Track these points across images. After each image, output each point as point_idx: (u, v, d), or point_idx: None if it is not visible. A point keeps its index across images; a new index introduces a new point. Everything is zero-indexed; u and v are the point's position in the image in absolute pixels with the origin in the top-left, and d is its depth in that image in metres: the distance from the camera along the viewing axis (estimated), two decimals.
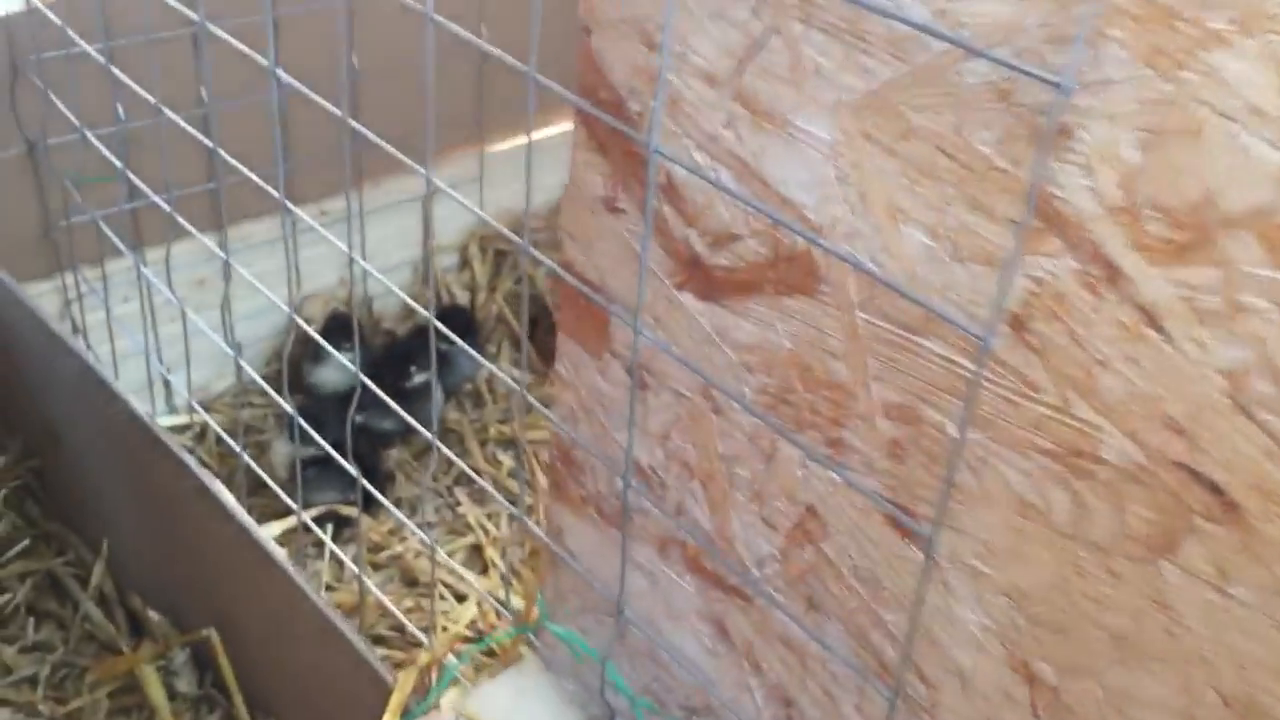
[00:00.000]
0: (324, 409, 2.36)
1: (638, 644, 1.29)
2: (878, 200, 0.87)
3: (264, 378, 2.74)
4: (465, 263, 2.98)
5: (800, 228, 0.91)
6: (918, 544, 0.94)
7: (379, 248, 2.76)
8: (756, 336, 1.01)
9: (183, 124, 1.68)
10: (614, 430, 1.21)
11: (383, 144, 1.25)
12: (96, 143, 1.93)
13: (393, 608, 1.79)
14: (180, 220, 1.79)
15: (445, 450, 1.48)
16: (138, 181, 1.85)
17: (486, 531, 2.42)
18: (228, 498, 1.70)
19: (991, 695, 0.94)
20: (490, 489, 1.48)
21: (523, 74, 0.98)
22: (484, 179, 2.91)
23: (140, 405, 1.85)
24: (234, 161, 1.57)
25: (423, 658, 1.53)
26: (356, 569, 1.69)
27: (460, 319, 2.67)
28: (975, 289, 0.84)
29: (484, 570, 2.34)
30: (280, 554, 1.63)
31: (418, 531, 1.76)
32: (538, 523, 2.42)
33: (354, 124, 1.25)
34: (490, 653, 1.92)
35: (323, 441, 1.70)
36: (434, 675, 1.51)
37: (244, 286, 2.14)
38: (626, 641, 1.30)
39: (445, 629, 1.90)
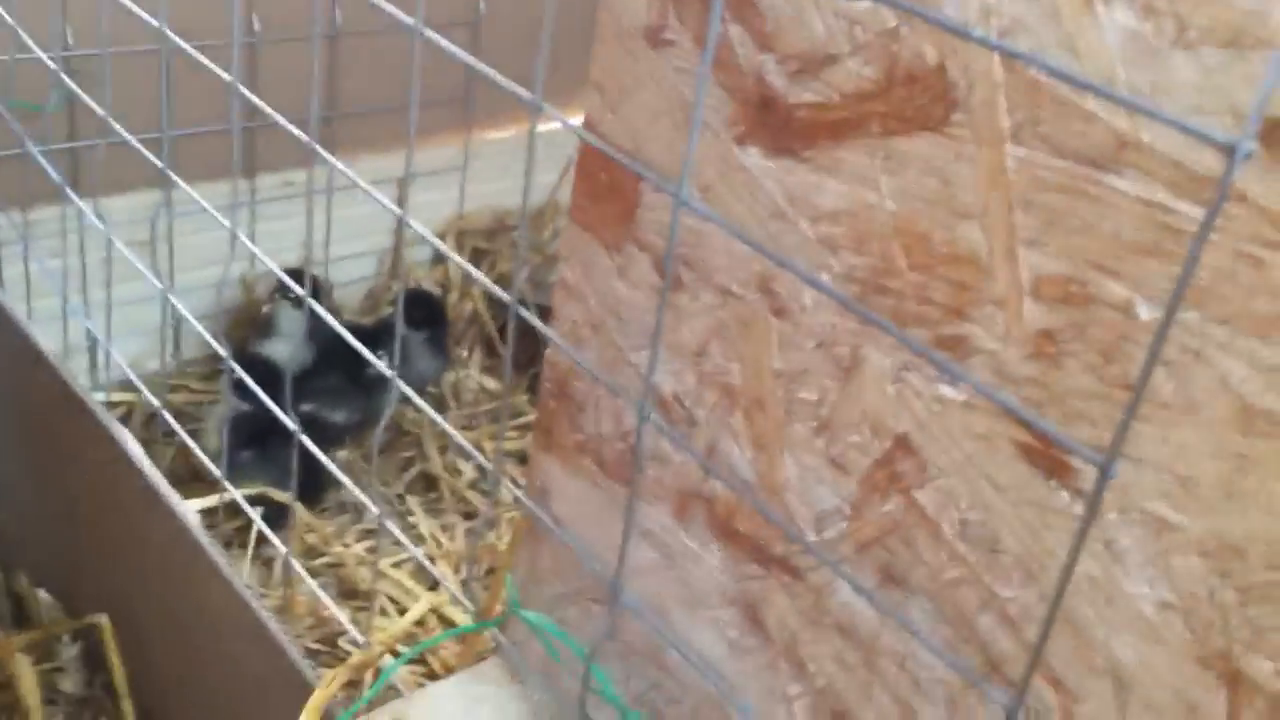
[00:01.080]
0: (267, 386, 2.07)
1: (636, 639, 1.00)
2: None
3: (203, 360, 2.46)
4: (439, 258, 2.71)
5: (948, 19, 0.65)
6: (1068, 483, 0.67)
7: (344, 230, 2.48)
8: (847, 199, 0.74)
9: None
10: (630, 350, 0.93)
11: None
12: (52, 65, 1.63)
13: (329, 602, 1.49)
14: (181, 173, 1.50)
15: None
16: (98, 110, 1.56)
17: (439, 543, 2.12)
18: (148, 466, 1.40)
19: (1163, 706, 0.66)
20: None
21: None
22: (467, 170, 2.65)
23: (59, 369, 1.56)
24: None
25: (355, 656, 1.23)
26: (286, 551, 1.39)
27: (429, 307, 2.39)
28: (1208, 89, 0.58)
29: (433, 587, 2.04)
30: (199, 532, 1.33)
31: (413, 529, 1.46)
32: (497, 539, 2.13)
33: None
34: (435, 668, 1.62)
35: (265, 397, 1.40)
36: (367, 682, 1.21)
37: (189, 255, 1.85)
38: (622, 635, 1.01)
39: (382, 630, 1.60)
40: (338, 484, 2.12)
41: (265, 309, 2.30)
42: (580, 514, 1.03)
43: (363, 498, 1.31)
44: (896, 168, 0.71)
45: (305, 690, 1.19)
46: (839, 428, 0.79)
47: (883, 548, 0.79)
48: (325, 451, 2.22)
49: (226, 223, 1.35)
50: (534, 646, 1.12)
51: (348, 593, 1.93)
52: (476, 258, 2.73)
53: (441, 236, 2.68)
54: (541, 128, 2.49)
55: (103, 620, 1.53)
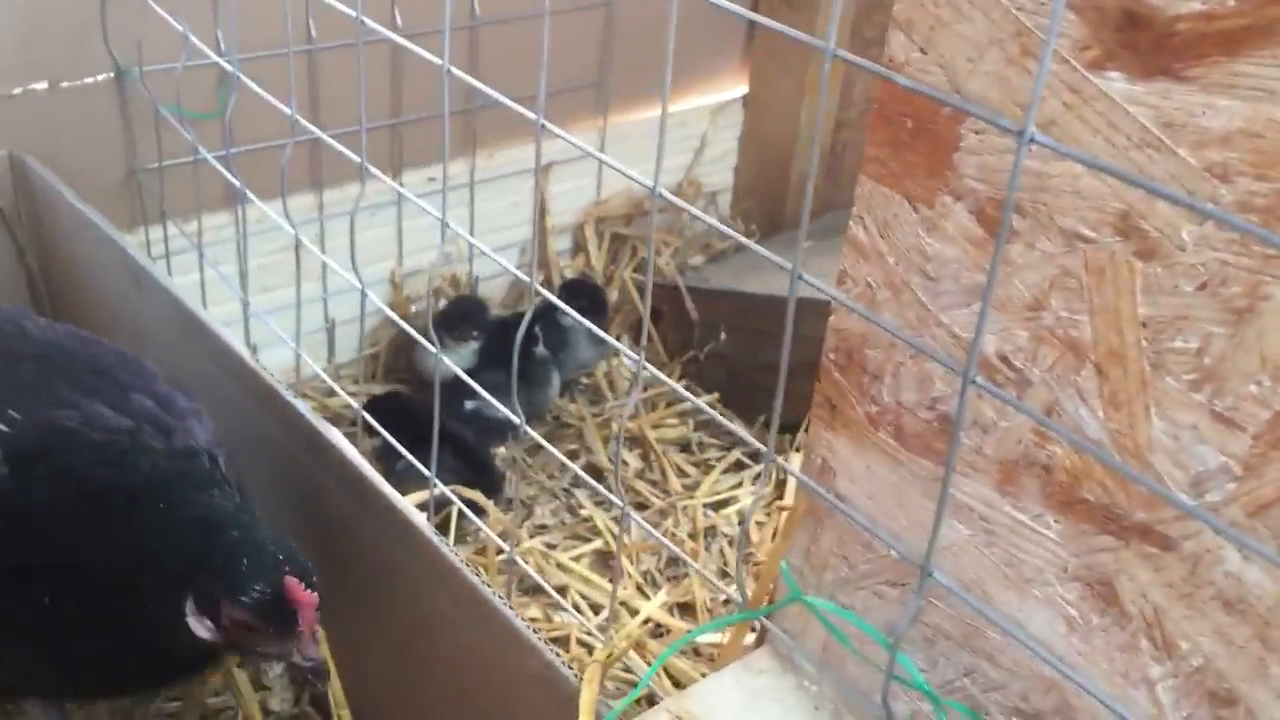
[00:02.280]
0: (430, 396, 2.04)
1: (945, 622, 0.93)
2: None
3: (360, 362, 2.42)
4: (580, 246, 2.65)
5: None
6: None
7: (485, 224, 2.43)
8: (1246, 118, 0.66)
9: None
10: (941, 310, 0.86)
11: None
12: (229, 68, 1.59)
13: (560, 599, 1.43)
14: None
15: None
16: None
17: (613, 534, 2.06)
18: (362, 463, 1.36)
19: None
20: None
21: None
22: (604, 154, 2.58)
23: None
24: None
25: (600, 651, 1.17)
26: (510, 550, 1.34)
27: (589, 294, 2.33)
28: None
29: (613, 579, 1.98)
30: (428, 529, 1.28)
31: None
32: (674, 526, 2.07)
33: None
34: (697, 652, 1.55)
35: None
36: (598, 681, 1.15)
37: (341, 257, 1.81)
38: (926, 619, 0.94)
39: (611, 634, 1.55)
40: (504, 481, 2.08)
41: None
42: (872, 492, 0.95)
43: (607, 494, 1.25)
44: None
45: (551, 686, 1.14)
46: (1228, 378, 0.71)
47: None
48: (486, 447, 2.18)
49: (435, 211, 1.29)
50: (810, 635, 1.05)
51: (529, 588, 1.87)
52: (615, 244, 2.67)
53: (580, 225, 2.63)
54: (675, 108, 2.40)
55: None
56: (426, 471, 1.38)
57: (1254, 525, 0.72)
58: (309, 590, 1.05)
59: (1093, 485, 0.80)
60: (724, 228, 0.94)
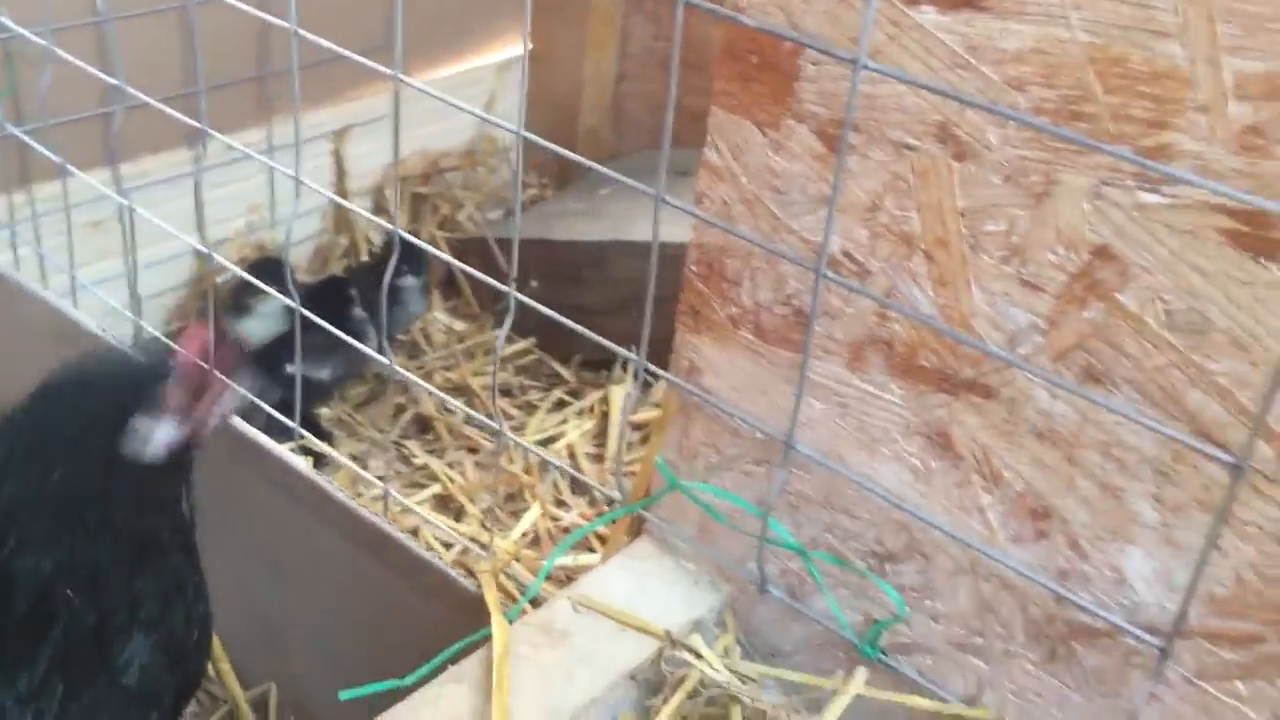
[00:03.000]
0: (251, 364, 2.07)
1: (806, 488, 1.09)
2: None
3: (167, 337, 2.42)
4: (380, 208, 2.71)
5: None
6: (1278, 256, 0.78)
7: (287, 190, 2.45)
8: (1035, 38, 0.83)
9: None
10: (791, 218, 1.01)
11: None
12: (42, 43, 1.59)
13: (440, 524, 1.52)
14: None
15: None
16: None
17: (452, 479, 2.16)
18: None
19: None
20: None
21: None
22: (399, 116, 2.63)
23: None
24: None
25: (485, 564, 1.29)
26: (386, 489, 1.43)
27: (413, 253, 2.39)
28: None
29: (458, 517, 2.08)
30: (304, 464, 1.36)
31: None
32: (509, 463, 2.18)
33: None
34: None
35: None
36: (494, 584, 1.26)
37: (144, 232, 1.83)
38: (790, 489, 1.09)
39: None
40: (332, 441, 2.14)
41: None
42: (736, 384, 1.10)
43: (486, 421, 1.36)
44: (1087, 1, 0.80)
45: (453, 597, 1.25)
46: (1031, 250, 0.88)
47: (1083, 351, 0.89)
48: (313, 408, 2.23)
49: (287, 166, 1.36)
50: (685, 520, 1.19)
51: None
52: (416, 203, 2.74)
53: (380, 187, 2.69)
54: (465, 65, 2.52)
55: None
56: (290, 422, 1.45)
57: (1058, 368, 0.90)
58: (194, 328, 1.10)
59: (927, 353, 0.97)
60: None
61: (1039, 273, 0.89)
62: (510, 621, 1.12)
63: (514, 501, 2.10)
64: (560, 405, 2.32)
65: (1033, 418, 0.93)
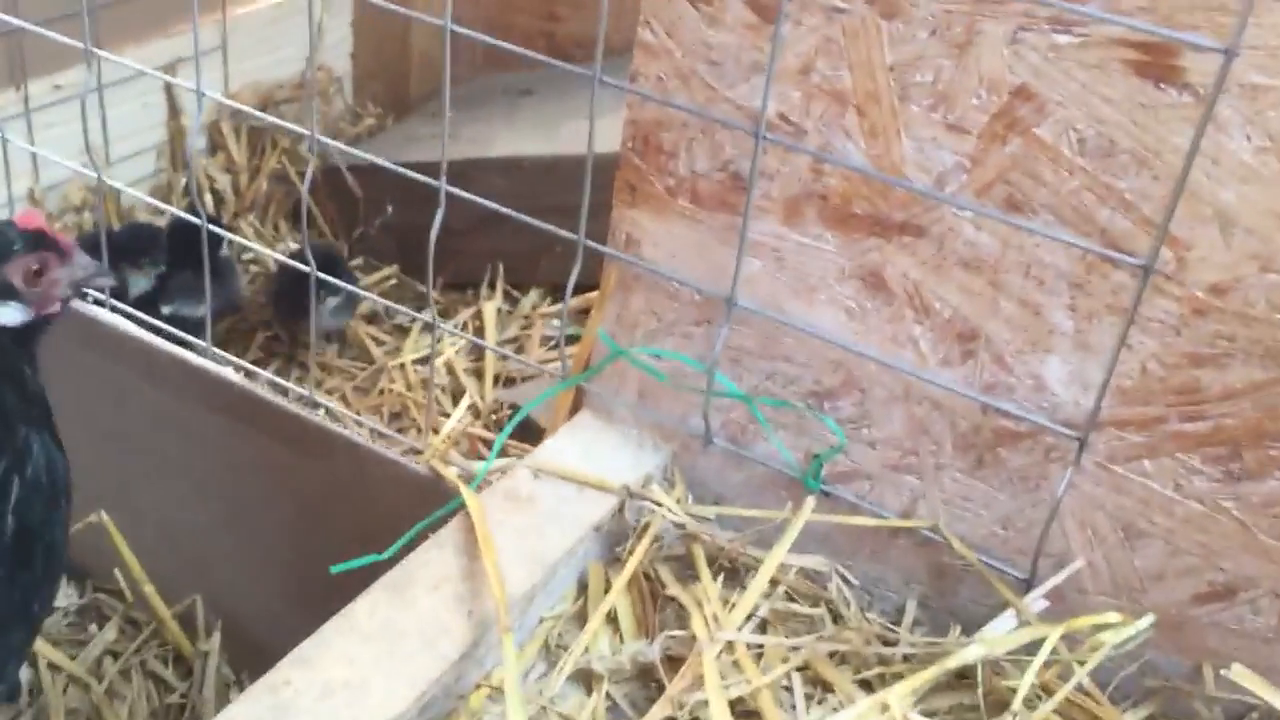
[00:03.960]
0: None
1: (746, 342, 1.18)
2: None
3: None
4: (217, 145, 2.66)
5: None
6: (1176, 81, 0.91)
7: (118, 129, 2.39)
8: None
9: None
10: (726, 88, 1.09)
11: None
12: None
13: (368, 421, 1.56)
14: None
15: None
16: None
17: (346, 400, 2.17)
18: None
19: (1261, 228, 0.92)
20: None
21: None
22: (227, 48, 2.59)
23: None
24: None
25: (429, 450, 1.34)
26: (309, 392, 1.46)
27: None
28: None
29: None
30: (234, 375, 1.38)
31: None
32: (390, 383, 2.21)
33: None
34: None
35: None
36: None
37: None
38: (730, 342, 1.18)
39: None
40: None
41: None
42: (674, 251, 1.18)
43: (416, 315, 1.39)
44: None
45: (407, 483, 1.30)
46: (955, 96, 1.00)
47: (1004, 183, 1.01)
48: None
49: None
50: (625, 389, 1.28)
51: None
52: (254, 137, 2.70)
53: (214, 120, 2.64)
54: None
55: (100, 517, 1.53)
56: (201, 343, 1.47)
57: (982, 202, 1.02)
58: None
59: (860, 201, 1.08)
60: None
61: (964, 116, 1.00)
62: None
63: (399, 419, 2.14)
64: (430, 327, 2.35)
65: (960, 250, 1.05)
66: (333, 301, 2.17)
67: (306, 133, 2.74)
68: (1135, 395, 1.02)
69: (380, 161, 1.36)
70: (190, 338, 1.53)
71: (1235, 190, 0.92)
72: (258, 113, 1.56)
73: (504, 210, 1.21)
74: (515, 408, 1.83)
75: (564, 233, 1.19)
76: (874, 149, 1.05)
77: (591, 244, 1.19)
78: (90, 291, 1.53)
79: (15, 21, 1.51)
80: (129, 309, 1.55)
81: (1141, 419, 1.03)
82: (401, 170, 1.30)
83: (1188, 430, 1.01)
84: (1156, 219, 0.95)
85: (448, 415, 2.12)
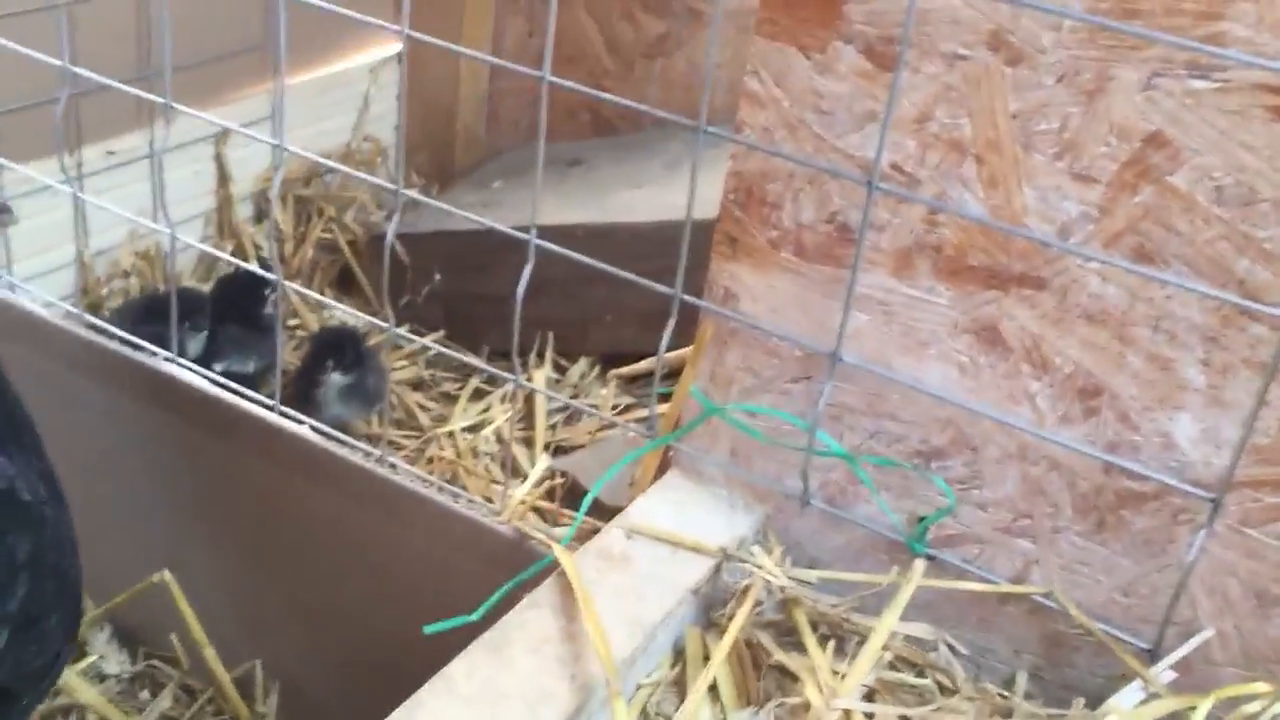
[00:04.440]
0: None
1: (848, 399, 1.15)
2: None
3: None
4: (263, 213, 2.66)
5: None
6: None
7: (169, 195, 2.38)
8: None
9: None
10: (835, 137, 1.07)
11: None
12: None
13: (448, 486, 1.51)
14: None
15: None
16: None
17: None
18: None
19: None
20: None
21: None
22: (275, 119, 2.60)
23: None
24: None
25: (513, 503, 1.30)
26: (381, 453, 1.42)
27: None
28: None
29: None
30: (306, 430, 1.34)
31: None
32: (440, 450, 2.17)
33: None
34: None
35: None
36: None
37: (20, 243, 1.75)
38: (832, 400, 1.15)
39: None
40: None
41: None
42: (774, 305, 1.15)
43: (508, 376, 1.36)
44: None
45: (488, 542, 1.26)
46: (1083, 145, 0.97)
47: (1134, 233, 0.98)
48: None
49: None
50: (717, 448, 1.24)
51: None
52: (301, 206, 2.69)
53: (261, 191, 2.63)
54: (341, 66, 2.54)
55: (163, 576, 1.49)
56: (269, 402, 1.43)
57: (1110, 253, 0.99)
58: None
59: (976, 253, 1.04)
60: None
61: (1091, 164, 0.97)
62: None
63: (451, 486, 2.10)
64: (479, 394, 2.32)
65: (1084, 303, 1.01)
66: (338, 381, 2.12)
67: (367, 199, 2.72)
68: (1273, 454, 0.98)
69: (470, 215, 1.33)
70: (252, 393, 1.49)
71: None
72: (334, 164, 1.54)
73: (601, 266, 1.18)
74: (565, 475, 1.80)
75: (660, 287, 1.16)
76: (993, 199, 1.02)
77: (689, 298, 1.16)
78: (157, 350, 1.51)
79: (98, 79, 1.49)
80: (194, 365, 1.52)
81: (1278, 479, 0.98)
82: (487, 223, 1.27)
83: None
84: None
85: (499, 483, 2.08)
